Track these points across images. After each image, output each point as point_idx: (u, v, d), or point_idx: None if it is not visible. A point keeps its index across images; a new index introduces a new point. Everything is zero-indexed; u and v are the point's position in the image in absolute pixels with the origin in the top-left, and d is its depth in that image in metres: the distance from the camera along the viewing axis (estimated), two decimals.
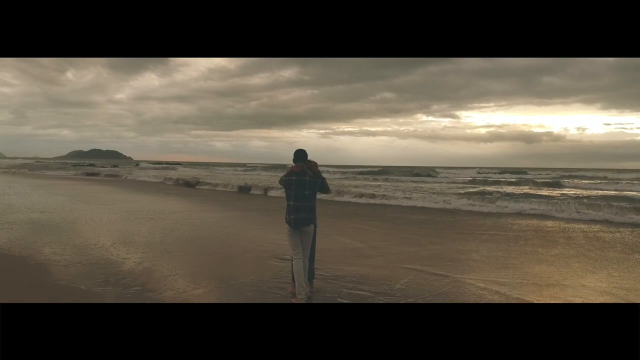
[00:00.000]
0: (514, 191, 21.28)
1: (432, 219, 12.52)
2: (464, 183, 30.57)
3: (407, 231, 10.14)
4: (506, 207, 14.72)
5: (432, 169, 58.03)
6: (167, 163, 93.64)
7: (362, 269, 6.43)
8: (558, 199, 16.46)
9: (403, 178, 36.88)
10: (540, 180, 32.94)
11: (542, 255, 7.62)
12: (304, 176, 4.76)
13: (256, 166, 72.14)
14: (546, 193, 20.91)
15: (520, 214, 13.80)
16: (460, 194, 18.91)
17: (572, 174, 44.04)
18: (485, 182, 30.80)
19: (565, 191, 22.85)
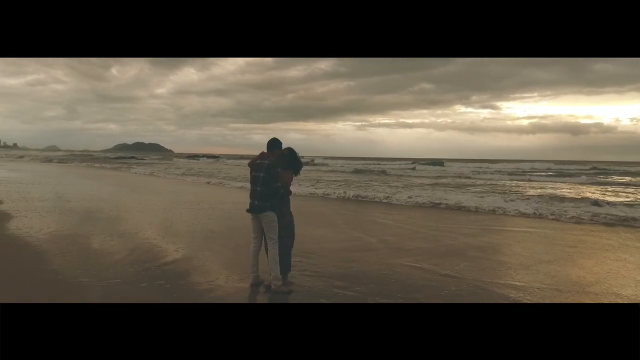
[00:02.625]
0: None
1: (458, 214, 11.71)
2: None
3: (428, 226, 9.46)
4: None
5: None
6: (204, 156, 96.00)
7: (363, 266, 5.92)
8: None
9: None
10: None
11: (577, 259, 6.79)
12: (263, 159, 4.70)
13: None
14: None
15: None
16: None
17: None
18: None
19: None
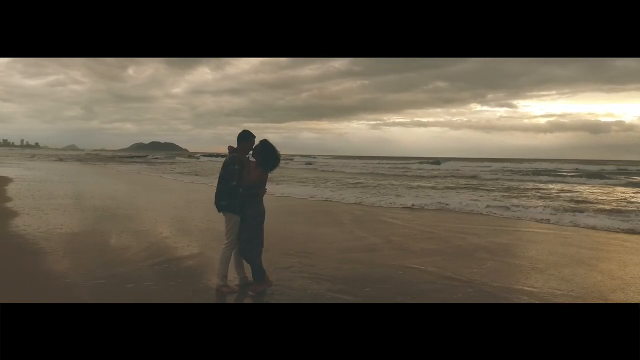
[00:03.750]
0: None
1: (469, 215, 11.22)
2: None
3: (437, 226, 9.06)
4: None
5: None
6: (219, 155, 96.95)
7: (363, 267, 5.60)
8: None
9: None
10: None
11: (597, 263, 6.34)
12: (229, 155, 4.41)
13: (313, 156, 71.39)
14: None
15: None
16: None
17: None
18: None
19: None
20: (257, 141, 4.46)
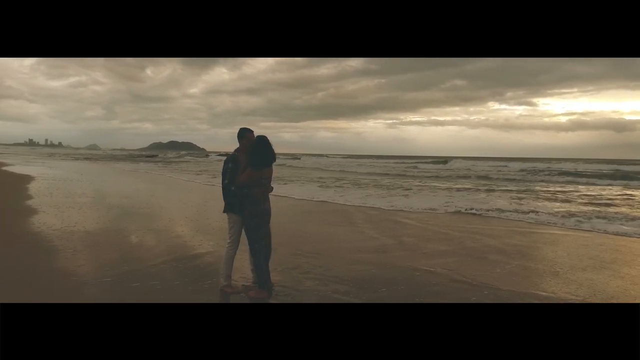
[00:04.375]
0: None
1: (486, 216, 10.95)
2: None
3: (451, 226, 8.86)
4: None
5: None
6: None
7: (372, 268, 5.49)
8: None
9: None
10: None
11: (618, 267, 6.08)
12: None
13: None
14: None
15: None
16: None
17: None
18: None
19: None
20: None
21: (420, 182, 21.97)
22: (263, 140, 4.21)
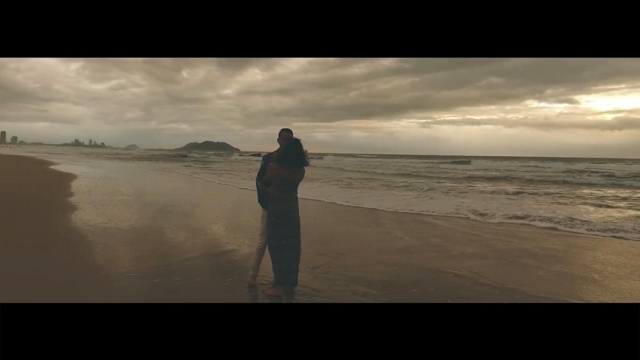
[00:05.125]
0: None
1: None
2: None
3: (482, 228, 8.54)
4: None
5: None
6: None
7: (394, 270, 5.35)
8: None
9: None
10: None
11: None
12: None
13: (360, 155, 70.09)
14: None
15: None
16: None
17: None
18: None
19: None
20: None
21: (451, 183, 21.42)
22: (293, 141, 4.23)
